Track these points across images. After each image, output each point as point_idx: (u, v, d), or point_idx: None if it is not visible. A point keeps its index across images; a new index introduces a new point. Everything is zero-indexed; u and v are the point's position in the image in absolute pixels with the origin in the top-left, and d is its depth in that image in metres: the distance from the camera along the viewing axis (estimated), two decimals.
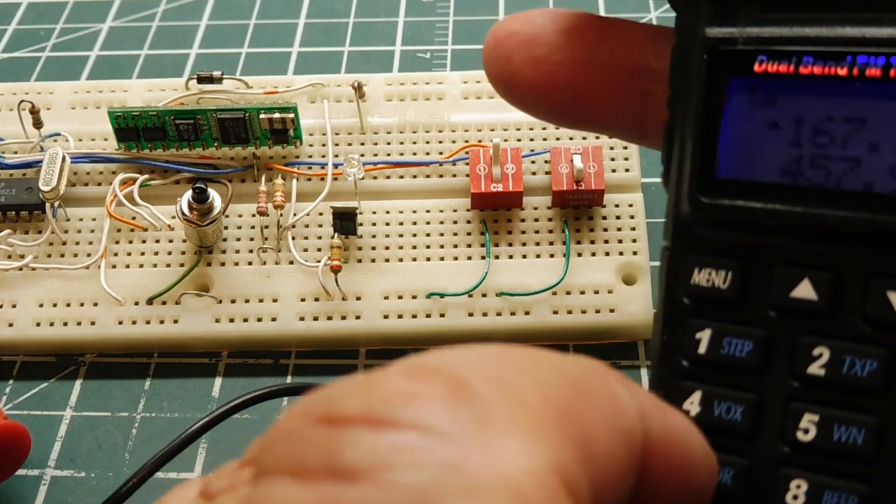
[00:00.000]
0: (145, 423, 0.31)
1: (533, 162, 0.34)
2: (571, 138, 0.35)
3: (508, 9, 0.45)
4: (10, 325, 0.32)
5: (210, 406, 0.31)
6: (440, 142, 0.35)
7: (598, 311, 0.32)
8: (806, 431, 0.17)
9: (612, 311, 0.32)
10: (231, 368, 0.32)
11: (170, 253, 0.33)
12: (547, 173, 0.34)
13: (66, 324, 0.32)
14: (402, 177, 0.34)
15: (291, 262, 0.33)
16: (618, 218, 0.33)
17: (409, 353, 0.31)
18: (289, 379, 0.32)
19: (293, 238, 0.33)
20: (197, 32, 0.45)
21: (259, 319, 0.32)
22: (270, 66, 0.43)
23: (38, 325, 0.32)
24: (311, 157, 0.34)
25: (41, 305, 0.32)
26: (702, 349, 0.18)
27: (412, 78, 0.37)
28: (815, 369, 0.17)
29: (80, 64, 0.44)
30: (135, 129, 0.33)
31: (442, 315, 0.32)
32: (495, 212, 0.33)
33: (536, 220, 0.33)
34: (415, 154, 0.35)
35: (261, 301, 0.32)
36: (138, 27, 0.46)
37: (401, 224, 0.33)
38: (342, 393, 0.14)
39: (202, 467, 0.29)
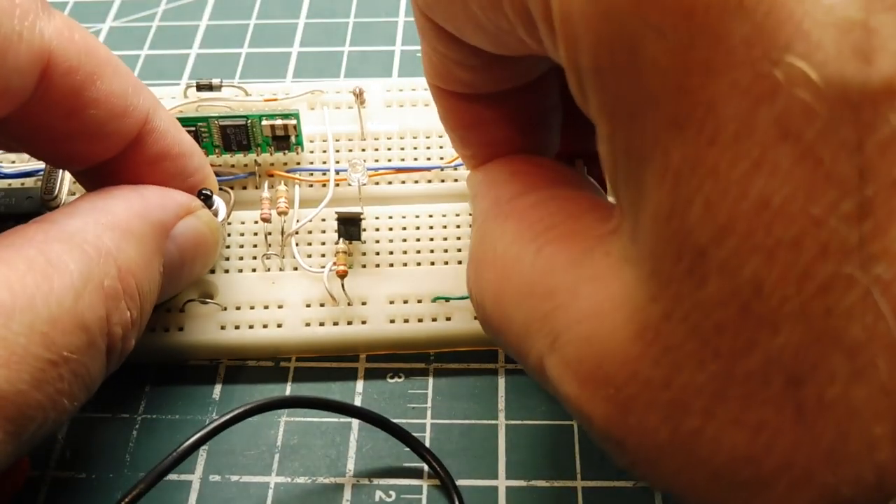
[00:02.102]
0: (146, 424, 0.31)
1: None
2: None
3: None
4: None
5: (210, 408, 0.31)
6: (441, 147, 0.35)
7: None
8: None
9: None
10: (231, 370, 0.32)
11: None
12: None
13: None
14: (403, 182, 0.34)
15: (296, 269, 0.33)
16: None
17: (413, 358, 0.32)
18: (289, 381, 0.32)
19: (297, 244, 0.33)
20: (197, 32, 0.45)
21: (264, 326, 0.32)
22: (270, 67, 0.43)
23: None
24: (312, 163, 0.34)
25: None
26: None
27: (411, 84, 0.37)
28: None
29: None
30: None
31: (448, 319, 0.32)
32: None
33: None
34: (416, 159, 0.35)
35: (266, 308, 0.32)
36: (138, 27, 0.45)
37: (404, 229, 0.33)
38: None
39: (202, 469, 0.29)
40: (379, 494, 0.29)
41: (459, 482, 0.29)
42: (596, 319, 0.19)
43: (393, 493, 0.29)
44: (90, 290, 0.23)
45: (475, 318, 0.32)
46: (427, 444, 0.30)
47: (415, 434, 0.30)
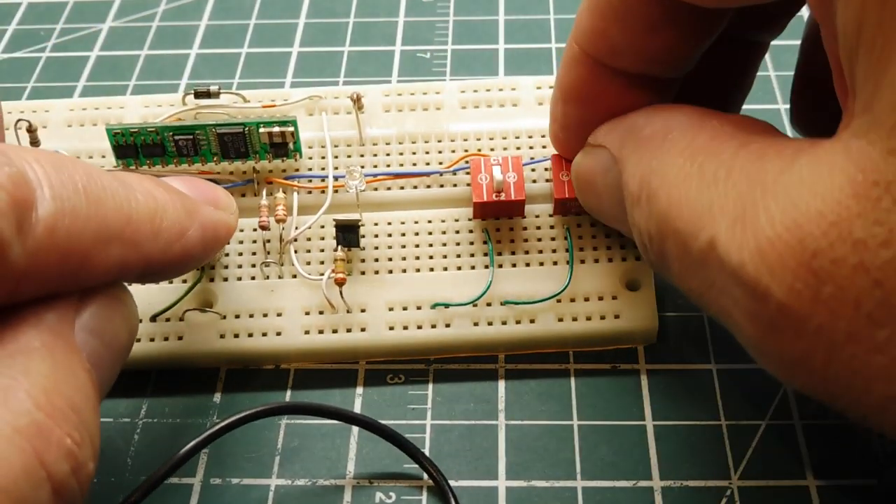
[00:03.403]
0: (147, 428, 0.31)
1: (533, 170, 0.34)
2: None
3: (508, 9, 0.45)
4: None
5: (211, 411, 0.31)
6: (440, 151, 0.35)
7: (602, 318, 0.32)
8: None
9: (616, 316, 0.32)
10: (232, 374, 0.32)
11: None
12: (548, 181, 0.34)
13: None
14: (402, 188, 0.34)
15: (294, 276, 0.33)
16: None
17: (413, 360, 0.32)
18: (290, 383, 0.32)
19: (296, 252, 0.33)
20: (197, 32, 0.45)
21: (264, 334, 0.32)
22: (270, 67, 0.43)
23: None
24: (310, 169, 0.34)
25: None
26: None
27: (410, 88, 0.36)
28: None
29: (80, 64, 0.44)
30: (133, 145, 0.32)
31: (447, 325, 0.32)
32: (497, 220, 0.33)
33: (538, 227, 0.33)
34: (415, 165, 0.34)
35: (265, 316, 0.32)
36: (138, 27, 0.45)
37: (403, 235, 0.33)
38: None
39: (203, 473, 0.30)
40: (379, 496, 0.29)
41: (459, 483, 0.29)
42: (803, 185, 0.18)
43: (393, 495, 0.29)
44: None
45: (475, 324, 0.32)
46: (427, 445, 0.30)
47: (415, 435, 0.30)
